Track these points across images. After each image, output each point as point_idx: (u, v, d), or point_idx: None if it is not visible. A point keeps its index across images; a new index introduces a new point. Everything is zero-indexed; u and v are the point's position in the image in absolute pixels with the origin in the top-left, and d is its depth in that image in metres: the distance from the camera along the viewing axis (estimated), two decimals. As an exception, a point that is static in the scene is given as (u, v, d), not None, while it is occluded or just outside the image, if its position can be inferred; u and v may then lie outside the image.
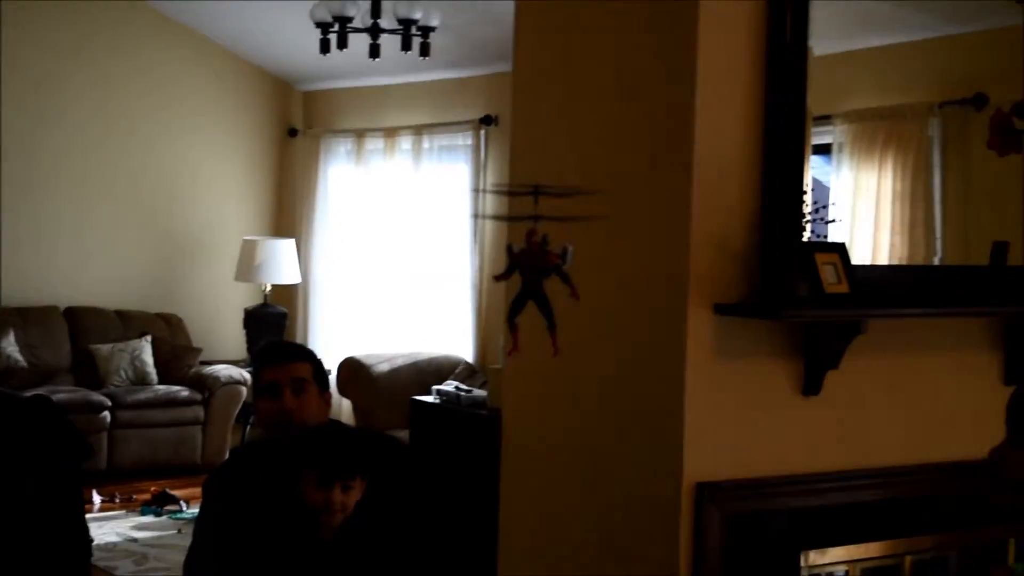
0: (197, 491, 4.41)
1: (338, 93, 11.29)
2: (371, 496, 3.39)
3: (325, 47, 8.10)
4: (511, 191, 2.72)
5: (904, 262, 4.52)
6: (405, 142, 10.56)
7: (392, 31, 8.05)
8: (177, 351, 10.37)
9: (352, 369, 9.66)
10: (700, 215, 3.66)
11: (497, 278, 2.71)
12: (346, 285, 11.04)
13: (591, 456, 4.01)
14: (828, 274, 3.69)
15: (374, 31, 8.03)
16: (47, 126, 10.25)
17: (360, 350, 10.07)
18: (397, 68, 9.71)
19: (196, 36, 10.96)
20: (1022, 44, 4.34)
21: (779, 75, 3.73)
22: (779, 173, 3.72)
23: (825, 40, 3.87)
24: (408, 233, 10.46)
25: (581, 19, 4.09)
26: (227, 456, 8.66)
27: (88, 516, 5.76)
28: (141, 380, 10.01)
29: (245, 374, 10.03)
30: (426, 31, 8.09)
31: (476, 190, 9.83)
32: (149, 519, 8.47)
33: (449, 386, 8.35)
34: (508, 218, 2.64)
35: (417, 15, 7.98)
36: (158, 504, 8.67)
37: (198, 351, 10.50)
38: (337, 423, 3.89)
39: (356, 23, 8.06)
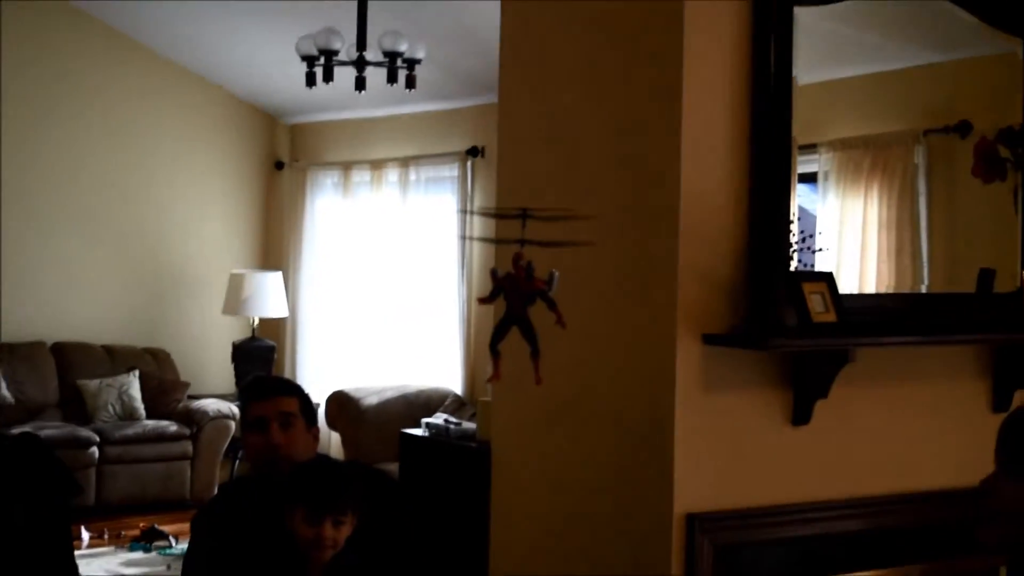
0: (186, 527, 4.40)
1: (324, 126, 11.30)
2: (361, 531, 3.37)
3: (311, 80, 8.11)
4: (499, 214, 2.69)
5: (891, 290, 4.52)
6: (392, 174, 10.57)
7: (378, 64, 8.06)
8: (165, 386, 10.35)
9: (341, 402, 9.64)
10: (687, 245, 3.66)
11: (481, 300, 2.67)
12: (334, 318, 11.04)
13: (581, 488, 4.00)
14: (816, 303, 3.69)
15: (360, 64, 8.04)
16: (32, 162, 10.24)
17: (348, 383, 10.06)
18: (383, 100, 9.73)
19: (182, 71, 10.97)
20: (1006, 72, 4.36)
21: (764, 105, 3.74)
22: (766, 202, 3.73)
23: (809, 69, 3.88)
24: (396, 265, 10.46)
25: (566, 50, 4.10)
26: (216, 491, 8.61)
27: (77, 553, 5.73)
28: (129, 415, 9.99)
29: (233, 408, 10.00)
30: (412, 63, 8.10)
31: (464, 211, 9.83)
32: (138, 555, 8.43)
33: (438, 419, 8.33)
34: (495, 240, 2.62)
35: (402, 48, 7.99)
36: (147, 540, 8.63)
37: (186, 385, 10.48)
38: (326, 457, 3.88)
39: (342, 56, 8.07)
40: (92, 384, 10.02)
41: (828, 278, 3.78)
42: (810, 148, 4.32)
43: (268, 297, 10.76)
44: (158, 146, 10.97)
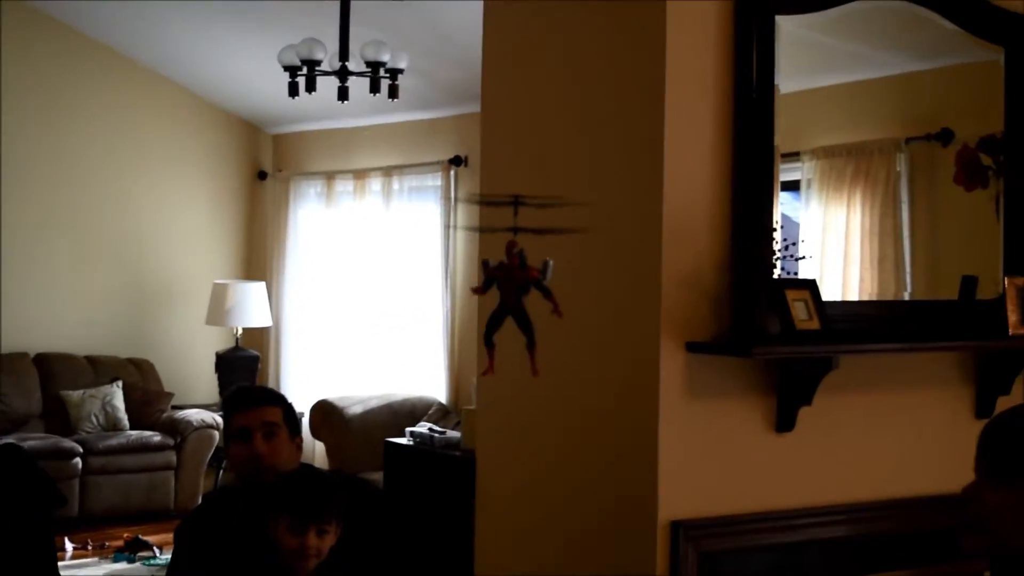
0: (170, 537, 4.40)
1: (307, 135, 11.30)
2: (345, 540, 3.37)
3: (294, 90, 8.11)
4: (490, 201, 2.66)
5: (874, 297, 4.53)
6: (375, 183, 10.57)
7: (360, 74, 8.06)
8: (149, 396, 10.33)
9: (325, 412, 9.63)
10: (670, 253, 3.66)
11: (475, 291, 2.64)
12: (318, 327, 11.03)
13: (565, 497, 4.00)
14: (799, 311, 3.70)
15: (342, 74, 8.05)
16: (14, 173, 10.20)
17: (333, 392, 10.05)
18: (366, 110, 9.74)
19: (164, 81, 10.96)
20: (987, 80, 4.38)
21: (747, 113, 3.75)
22: (749, 210, 3.74)
23: (792, 77, 3.89)
24: (379, 274, 10.46)
25: (548, 60, 4.10)
26: (200, 501, 8.60)
27: (60, 564, 5.73)
28: (112, 426, 9.96)
29: (217, 418, 9.98)
30: (394, 73, 8.10)
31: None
32: (122, 566, 8.42)
33: (423, 428, 8.33)
34: (485, 229, 2.59)
35: (385, 58, 7.99)
36: (131, 551, 8.62)
37: (170, 396, 10.46)
38: (310, 467, 3.88)
39: (324, 66, 8.07)
40: (75, 395, 9.99)
41: (811, 286, 3.78)
42: (793, 156, 4.32)
43: (252, 307, 10.75)
44: (141, 156, 10.95)
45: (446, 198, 9.89)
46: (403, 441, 8.33)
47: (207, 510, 3.88)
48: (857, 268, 4.51)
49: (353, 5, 8.00)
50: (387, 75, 8.09)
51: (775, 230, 3.76)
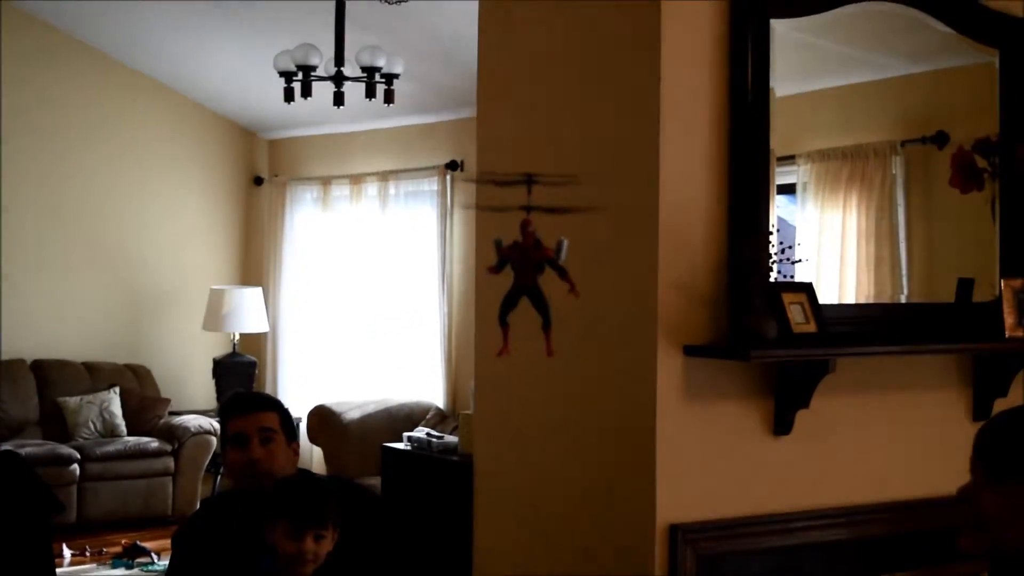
0: (168, 543, 4.39)
1: (303, 141, 11.30)
2: (343, 545, 3.37)
3: (289, 96, 8.11)
4: (502, 180, 2.61)
5: (871, 300, 4.54)
6: (371, 188, 10.58)
7: (356, 79, 8.06)
8: (146, 402, 10.33)
9: (322, 417, 9.63)
10: (667, 257, 3.66)
11: (491, 270, 2.61)
12: (315, 332, 11.03)
13: (564, 500, 4.00)
14: (796, 314, 3.71)
15: (338, 79, 8.05)
16: (11, 178, 10.19)
17: (330, 397, 10.04)
18: (362, 115, 9.74)
19: (161, 87, 10.96)
20: (982, 83, 4.38)
21: (742, 116, 3.75)
22: (745, 214, 3.74)
23: (787, 81, 3.90)
24: (376, 279, 10.46)
25: (543, 64, 4.10)
26: (198, 507, 8.60)
27: (59, 570, 5.73)
28: (110, 432, 9.96)
29: (215, 424, 9.98)
30: (390, 78, 8.10)
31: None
32: (120, 572, 8.41)
33: (420, 432, 8.33)
34: (496, 208, 2.54)
35: (380, 63, 7.99)
36: (129, 557, 8.61)
37: (167, 402, 10.45)
38: (307, 472, 3.87)
39: (320, 71, 8.07)
40: (73, 401, 9.99)
41: (808, 289, 3.79)
42: (789, 159, 4.33)
43: (248, 312, 10.74)
44: (137, 163, 10.95)
45: (442, 203, 9.89)
46: (401, 446, 8.33)
47: (205, 516, 3.88)
48: (853, 271, 4.51)
49: (349, 10, 8.00)
50: (383, 80, 8.09)
51: (771, 233, 3.77)
